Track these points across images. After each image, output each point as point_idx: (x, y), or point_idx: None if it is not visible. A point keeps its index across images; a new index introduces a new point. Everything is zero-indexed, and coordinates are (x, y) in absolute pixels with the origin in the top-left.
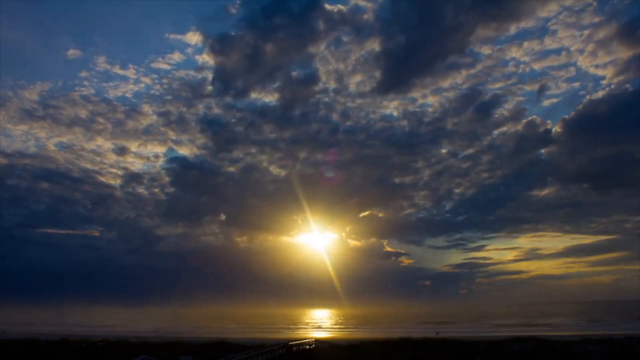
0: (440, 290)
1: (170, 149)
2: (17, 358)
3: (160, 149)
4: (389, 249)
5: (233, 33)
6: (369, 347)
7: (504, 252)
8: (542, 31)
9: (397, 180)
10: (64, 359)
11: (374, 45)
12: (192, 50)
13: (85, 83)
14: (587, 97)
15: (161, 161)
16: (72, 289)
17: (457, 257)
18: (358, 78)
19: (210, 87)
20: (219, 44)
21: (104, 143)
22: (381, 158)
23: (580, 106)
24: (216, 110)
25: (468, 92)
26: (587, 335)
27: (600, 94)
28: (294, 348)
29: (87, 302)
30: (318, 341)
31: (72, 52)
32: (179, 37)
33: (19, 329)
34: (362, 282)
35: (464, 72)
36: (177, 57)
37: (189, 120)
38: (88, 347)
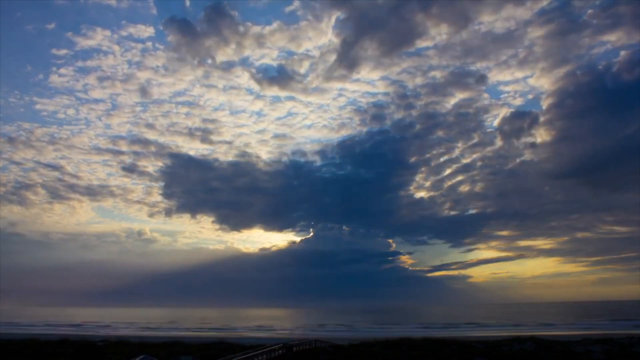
0: (426, 291)
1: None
2: (16, 358)
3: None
4: (393, 248)
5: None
6: (369, 346)
7: (493, 252)
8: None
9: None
10: (63, 359)
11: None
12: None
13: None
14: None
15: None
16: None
17: (443, 258)
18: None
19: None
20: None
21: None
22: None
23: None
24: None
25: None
26: (587, 335)
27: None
28: (294, 348)
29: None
30: (318, 341)
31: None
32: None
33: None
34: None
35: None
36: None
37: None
38: (88, 347)
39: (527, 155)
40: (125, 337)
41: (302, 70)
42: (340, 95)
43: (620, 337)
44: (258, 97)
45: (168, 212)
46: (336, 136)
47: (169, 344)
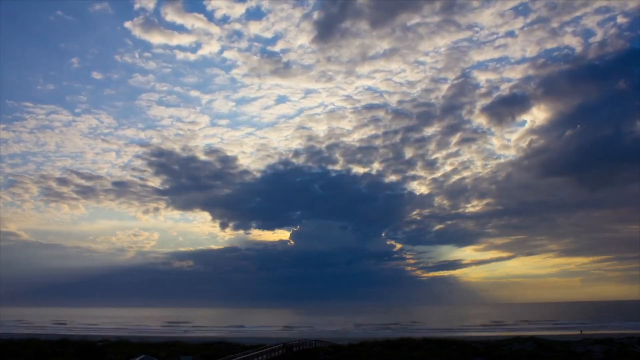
0: (426, 291)
1: None
2: (16, 358)
3: None
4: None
5: None
6: (369, 347)
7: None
8: None
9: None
10: (63, 359)
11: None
12: None
13: None
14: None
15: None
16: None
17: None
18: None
19: None
20: None
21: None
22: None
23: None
24: None
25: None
26: (587, 335)
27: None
28: (294, 348)
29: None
30: (318, 341)
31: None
32: None
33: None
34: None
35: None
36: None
37: None
38: (88, 347)
39: (527, 153)
40: (125, 337)
41: (295, 63)
42: (332, 88)
43: (620, 337)
44: (246, 87)
45: (163, 211)
46: (326, 129)
47: (169, 344)
